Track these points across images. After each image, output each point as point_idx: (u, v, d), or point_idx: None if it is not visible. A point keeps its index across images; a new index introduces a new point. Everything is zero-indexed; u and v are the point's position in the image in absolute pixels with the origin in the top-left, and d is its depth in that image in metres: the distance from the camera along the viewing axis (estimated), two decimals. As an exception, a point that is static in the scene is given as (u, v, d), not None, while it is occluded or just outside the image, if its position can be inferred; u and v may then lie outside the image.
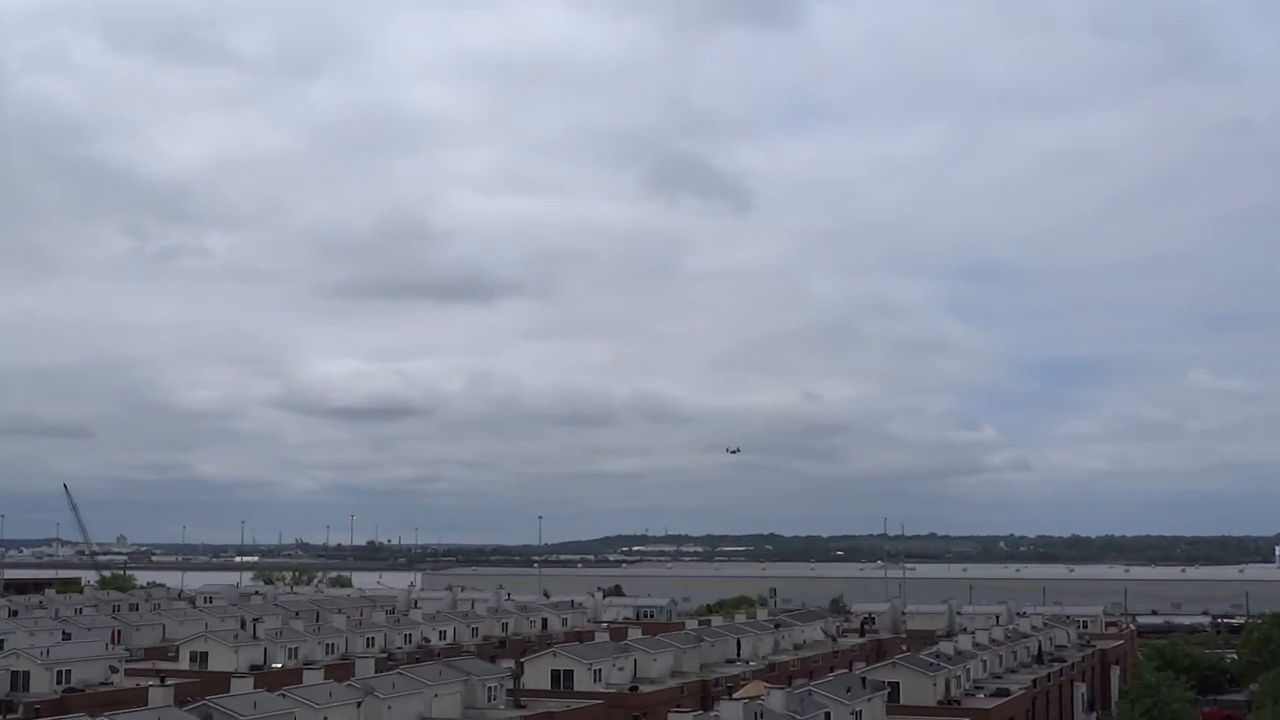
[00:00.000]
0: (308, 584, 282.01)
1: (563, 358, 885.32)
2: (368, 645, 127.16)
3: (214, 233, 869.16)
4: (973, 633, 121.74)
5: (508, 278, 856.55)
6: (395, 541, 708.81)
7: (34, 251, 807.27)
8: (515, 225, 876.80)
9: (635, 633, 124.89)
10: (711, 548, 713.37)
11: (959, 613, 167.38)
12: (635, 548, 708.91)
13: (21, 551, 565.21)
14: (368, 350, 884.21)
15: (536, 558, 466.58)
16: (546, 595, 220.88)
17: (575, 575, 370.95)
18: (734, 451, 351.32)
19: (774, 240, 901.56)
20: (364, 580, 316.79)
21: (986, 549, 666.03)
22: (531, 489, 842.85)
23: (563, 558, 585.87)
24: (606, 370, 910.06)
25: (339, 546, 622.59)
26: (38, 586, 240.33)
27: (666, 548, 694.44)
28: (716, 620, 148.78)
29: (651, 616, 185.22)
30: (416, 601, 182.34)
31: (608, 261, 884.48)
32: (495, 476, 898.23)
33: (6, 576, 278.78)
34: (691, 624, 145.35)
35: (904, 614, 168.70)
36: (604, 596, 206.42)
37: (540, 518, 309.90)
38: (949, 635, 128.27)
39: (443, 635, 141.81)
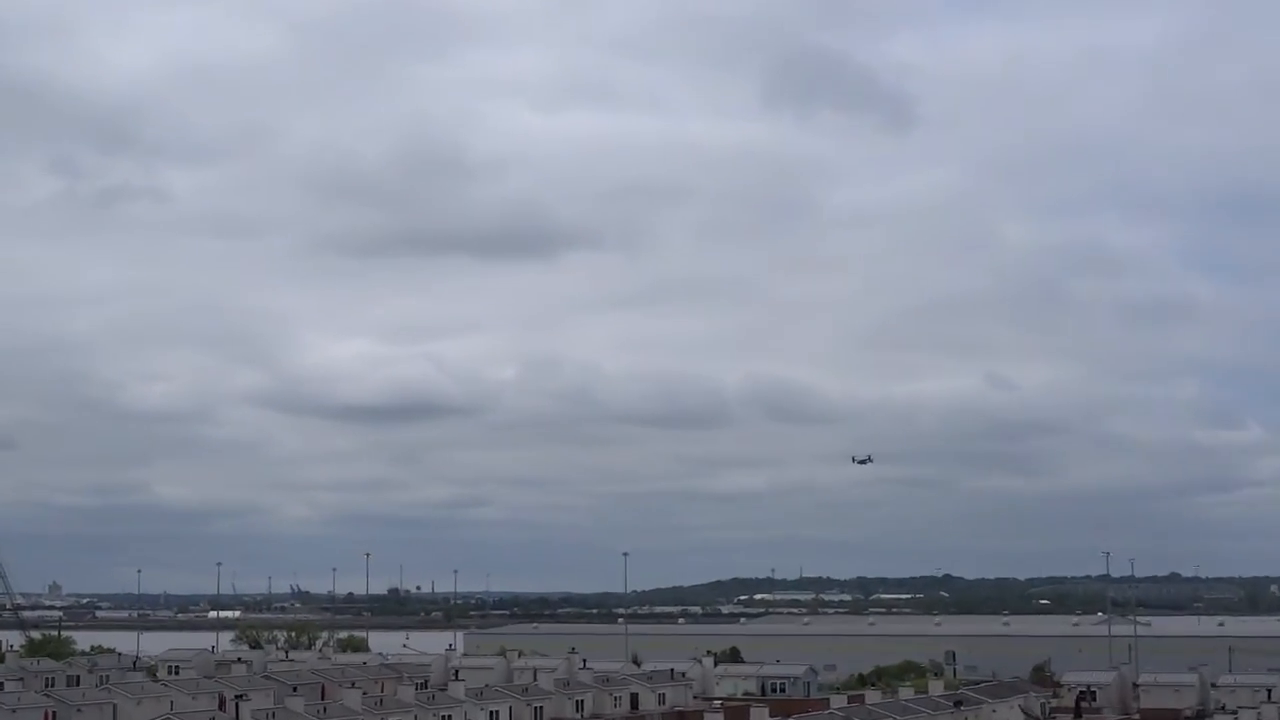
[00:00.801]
0: (309, 648, 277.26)
1: (654, 334, 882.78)
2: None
3: (172, 168, 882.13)
4: (1235, 712, 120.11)
5: (577, 225, 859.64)
6: (427, 589, 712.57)
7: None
8: (586, 152, 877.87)
9: (760, 713, 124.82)
10: (864, 595, 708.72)
11: (1214, 685, 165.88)
12: (758, 595, 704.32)
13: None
14: (385, 327, 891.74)
15: (621, 610, 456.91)
16: (636, 662, 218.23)
17: (675, 634, 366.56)
18: (862, 462, 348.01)
19: (946, 167, 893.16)
20: (385, 642, 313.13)
21: (1253, 595, 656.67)
22: (613, 515, 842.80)
23: (658, 610, 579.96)
24: (715, 351, 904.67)
25: (350, 596, 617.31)
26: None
27: (801, 595, 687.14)
28: (873, 696, 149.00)
29: (783, 691, 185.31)
30: (458, 671, 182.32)
31: (715, 200, 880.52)
32: (563, 499, 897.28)
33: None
34: (839, 701, 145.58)
35: (1137, 686, 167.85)
36: (716, 663, 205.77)
37: (626, 555, 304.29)
38: (1202, 716, 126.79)
39: (494, 717, 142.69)
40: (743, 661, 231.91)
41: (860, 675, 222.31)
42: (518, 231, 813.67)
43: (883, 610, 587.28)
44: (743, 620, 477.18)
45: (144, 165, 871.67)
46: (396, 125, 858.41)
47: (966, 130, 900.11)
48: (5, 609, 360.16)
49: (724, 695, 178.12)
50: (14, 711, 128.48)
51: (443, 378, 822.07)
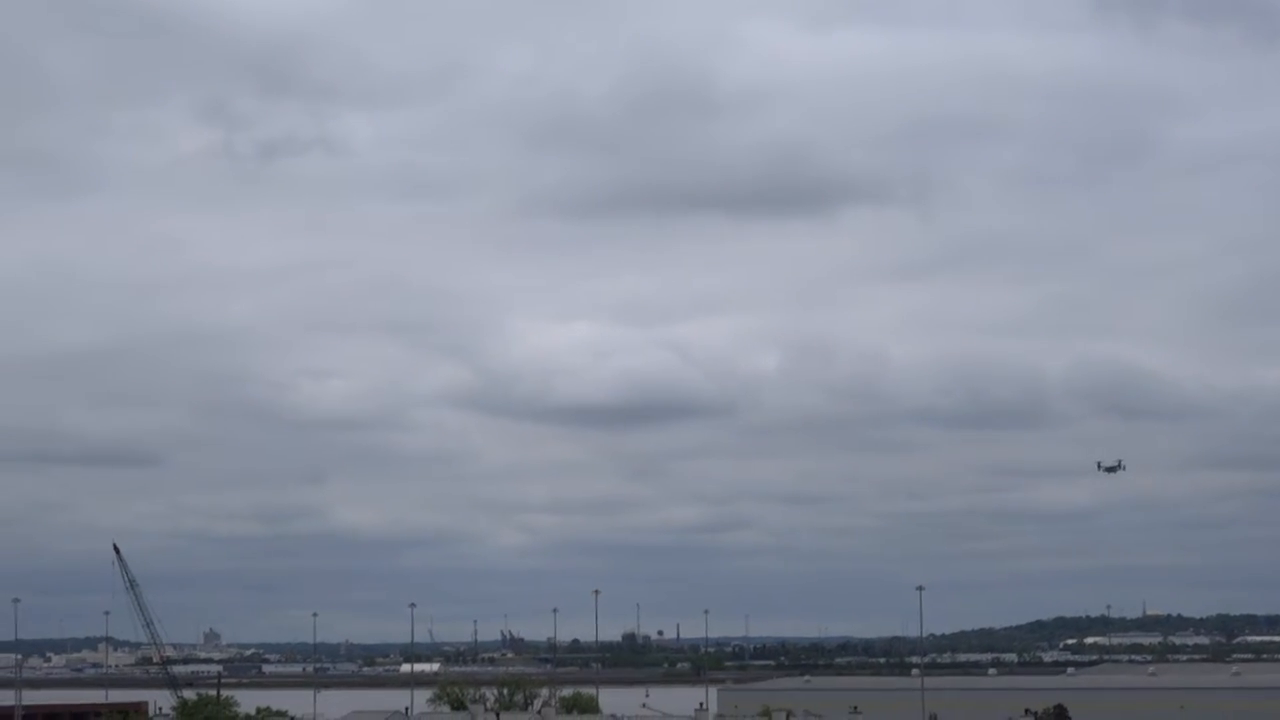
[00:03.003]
0: (525, 708, 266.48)
1: (953, 310, 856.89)
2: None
3: (348, 114, 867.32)
4: None
5: (855, 173, 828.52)
6: (670, 634, 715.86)
7: (48, 155, 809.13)
8: (867, 81, 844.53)
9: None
10: (1225, 638, 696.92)
11: None
12: (1089, 639, 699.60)
13: (49, 660, 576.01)
14: (614, 306, 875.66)
15: (915, 659, 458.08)
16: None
17: (985, 689, 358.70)
18: (1111, 469, 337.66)
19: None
20: (620, 700, 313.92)
21: None
22: (904, 539, 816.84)
23: (962, 658, 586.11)
24: (1032, 330, 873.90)
25: (576, 644, 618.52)
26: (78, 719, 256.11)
27: (1145, 638, 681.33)
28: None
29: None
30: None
31: (1031, 139, 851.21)
32: (840, 520, 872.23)
33: (29, 703, 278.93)
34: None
35: None
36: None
37: (920, 590, 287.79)
38: None
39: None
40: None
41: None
42: (780, 183, 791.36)
43: (1250, 656, 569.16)
44: (1070, 671, 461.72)
45: (313, 110, 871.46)
46: (624, 54, 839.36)
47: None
48: (152, 663, 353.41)
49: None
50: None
51: (688, 369, 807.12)
